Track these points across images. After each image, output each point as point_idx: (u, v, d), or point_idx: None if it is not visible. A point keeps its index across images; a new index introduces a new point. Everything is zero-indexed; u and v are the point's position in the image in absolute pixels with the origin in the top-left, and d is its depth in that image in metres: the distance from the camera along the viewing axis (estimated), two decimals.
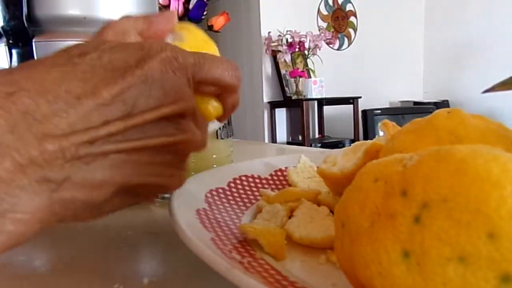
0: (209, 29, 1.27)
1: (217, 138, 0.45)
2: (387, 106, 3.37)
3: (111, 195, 0.19)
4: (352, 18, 3.30)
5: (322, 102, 2.98)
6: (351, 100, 2.90)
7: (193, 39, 0.26)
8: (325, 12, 3.19)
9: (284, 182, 0.40)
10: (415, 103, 3.30)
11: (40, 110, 0.16)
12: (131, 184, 0.19)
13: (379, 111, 2.77)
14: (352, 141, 2.75)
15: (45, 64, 0.18)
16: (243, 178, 0.38)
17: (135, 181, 0.19)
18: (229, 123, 0.45)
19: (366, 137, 2.73)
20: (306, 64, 2.94)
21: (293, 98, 2.84)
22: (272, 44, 2.85)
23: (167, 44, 0.20)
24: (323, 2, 3.16)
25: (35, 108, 0.16)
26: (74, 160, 0.16)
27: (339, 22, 3.26)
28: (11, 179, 0.15)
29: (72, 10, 0.48)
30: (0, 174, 0.15)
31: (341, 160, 0.33)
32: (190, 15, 1.06)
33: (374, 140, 0.32)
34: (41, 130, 0.15)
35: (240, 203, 0.34)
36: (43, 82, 0.16)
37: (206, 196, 0.32)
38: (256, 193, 0.37)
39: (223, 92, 0.24)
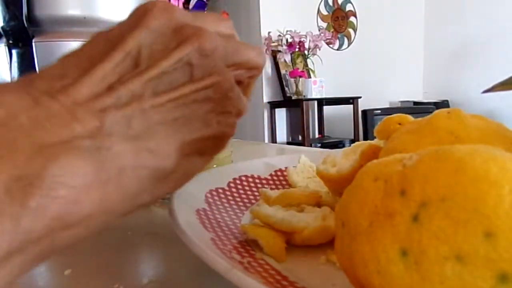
0: None
1: None
2: (387, 106, 3.36)
3: (175, 160, 0.18)
4: (352, 18, 3.30)
5: (322, 102, 2.98)
6: (351, 100, 2.90)
7: None
8: (325, 12, 3.19)
9: (284, 182, 0.40)
10: (415, 103, 3.30)
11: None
12: (191, 141, 0.18)
13: (379, 111, 2.77)
14: (352, 141, 2.75)
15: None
16: (243, 178, 0.38)
17: (192, 137, 0.18)
18: None
19: (366, 137, 2.73)
20: (306, 64, 2.94)
21: (293, 98, 2.84)
22: (272, 44, 2.85)
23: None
24: (323, 2, 3.16)
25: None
26: (108, 115, 0.15)
27: (339, 22, 3.26)
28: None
29: (72, 10, 0.48)
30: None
31: (340, 160, 0.33)
32: None
33: (373, 141, 0.32)
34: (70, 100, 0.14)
35: (240, 203, 0.34)
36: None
37: (206, 196, 0.32)
38: (256, 193, 0.37)
39: (252, 75, 0.23)
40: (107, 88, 0.16)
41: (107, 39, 0.17)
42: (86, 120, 0.14)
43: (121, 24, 0.18)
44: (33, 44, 0.47)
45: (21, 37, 0.47)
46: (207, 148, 0.20)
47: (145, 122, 0.16)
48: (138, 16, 0.18)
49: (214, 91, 0.19)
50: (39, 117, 0.14)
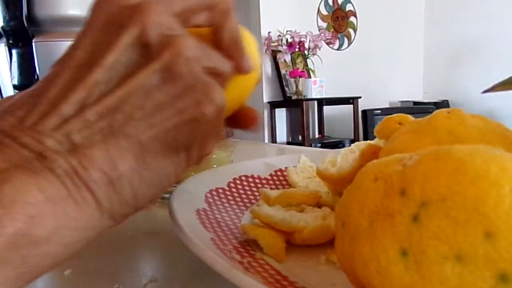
0: None
1: None
2: (387, 106, 3.36)
3: (136, 157, 0.16)
4: (352, 18, 3.30)
5: (322, 102, 2.97)
6: (351, 100, 2.90)
7: None
8: (325, 12, 3.18)
9: (284, 182, 0.40)
10: (415, 103, 3.30)
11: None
12: (150, 139, 0.16)
13: (379, 111, 2.77)
14: (352, 141, 2.75)
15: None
16: (243, 178, 0.38)
17: (149, 134, 0.16)
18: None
19: (366, 137, 2.73)
20: (306, 64, 2.93)
21: (293, 98, 2.84)
22: (272, 44, 2.85)
23: None
24: (323, 2, 3.16)
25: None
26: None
27: (339, 22, 3.25)
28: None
29: (72, 10, 0.48)
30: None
31: (340, 160, 0.34)
32: None
33: (373, 141, 0.32)
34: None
35: (240, 203, 0.34)
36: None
37: (206, 196, 0.32)
38: (256, 193, 0.37)
39: (216, 17, 0.20)
40: (53, 106, 0.15)
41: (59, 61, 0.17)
42: (32, 145, 0.14)
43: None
44: (33, 44, 0.47)
45: (21, 37, 0.47)
46: (179, 142, 0.18)
47: (87, 132, 0.15)
48: (90, 14, 0.17)
49: (167, 70, 0.17)
50: None
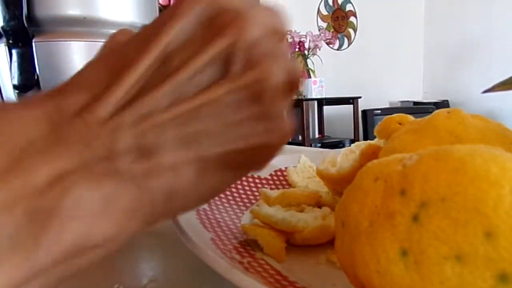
0: None
1: None
2: (387, 106, 3.36)
3: (198, 171, 0.16)
4: (352, 18, 3.30)
5: (322, 102, 2.97)
6: (351, 100, 2.90)
7: None
8: (325, 12, 3.18)
9: (284, 182, 0.40)
10: (415, 103, 3.30)
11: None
12: (217, 155, 0.16)
13: (379, 111, 2.77)
14: (352, 141, 2.75)
15: None
16: (243, 178, 0.38)
17: (218, 151, 0.16)
18: None
19: (366, 137, 2.73)
20: (306, 64, 2.93)
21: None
22: None
23: None
24: (323, 2, 3.16)
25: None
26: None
27: (339, 22, 3.25)
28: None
29: (72, 10, 0.48)
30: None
31: (340, 160, 0.34)
32: None
33: (373, 141, 0.32)
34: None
35: (240, 203, 0.34)
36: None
37: None
38: (256, 193, 0.37)
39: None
40: (129, 101, 0.14)
41: (139, 40, 0.16)
42: (100, 144, 0.14)
43: (159, 16, 0.16)
44: (33, 44, 0.47)
45: (21, 37, 0.47)
46: (241, 161, 0.17)
47: (161, 137, 0.14)
48: (175, 4, 0.15)
49: (253, 90, 0.16)
50: (56, 142, 0.13)
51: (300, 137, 2.78)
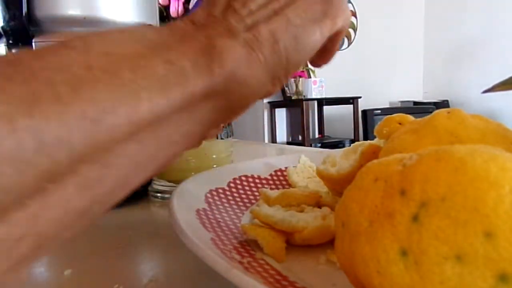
0: None
1: (217, 138, 0.45)
2: (387, 106, 3.37)
3: (301, 26, 0.21)
4: (352, 18, 3.30)
5: (322, 102, 2.98)
6: (351, 100, 2.90)
7: None
8: None
9: (284, 182, 0.40)
10: (415, 103, 3.30)
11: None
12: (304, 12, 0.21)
13: (379, 111, 2.77)
14: (352, 141, 2.75)
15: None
16: (243, 178, 0.38)
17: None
18: (229, 123, 0.45)
19: (366, 137, 2.73)
20: (306, 64, 2.93)
21: (293, 98, 2.84)
22: None
23: None
24: None
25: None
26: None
27: None
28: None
29: (72, 10, 0.48)
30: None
31: (340, 160, 0.34)
32: None
33: (373, 141, 0.32)
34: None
35: (240, 203, 0.34)
36: None
37: (206, 196, 0.32)
38: (256, 193, 0.37)
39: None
40: (228, 4, 0.20)
41: None
42: (223, 25, 0.20)
43: None
44: (33, 44, 0.47)
45: (21, 37, 0.47)
46: (320, 13, 0.23)
47: (254, 16, 0.20)
48: None
49: None
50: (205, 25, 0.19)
51: (300, 137, 2.79)
